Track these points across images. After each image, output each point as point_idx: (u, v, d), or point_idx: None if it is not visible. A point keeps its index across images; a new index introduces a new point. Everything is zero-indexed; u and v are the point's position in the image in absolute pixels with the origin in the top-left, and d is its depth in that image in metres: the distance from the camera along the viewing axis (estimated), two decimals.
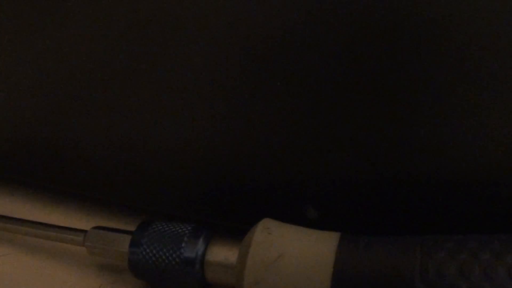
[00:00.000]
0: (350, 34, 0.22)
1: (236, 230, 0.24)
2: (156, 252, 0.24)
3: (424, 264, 0.20)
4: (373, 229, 0.23)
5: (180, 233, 0.24)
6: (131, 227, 0.26)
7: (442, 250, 0.20)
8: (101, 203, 0.30)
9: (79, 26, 0.26)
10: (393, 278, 0.20)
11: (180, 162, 0.27)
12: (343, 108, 0.23)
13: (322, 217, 0.25)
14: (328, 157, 0.24)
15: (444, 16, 0.20)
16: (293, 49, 0.23)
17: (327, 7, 0.21)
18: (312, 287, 0.21)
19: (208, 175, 0.26)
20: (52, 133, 0.29)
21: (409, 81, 0.22)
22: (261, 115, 0.24)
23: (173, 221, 0.25)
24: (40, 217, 0.29)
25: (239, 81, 0.24)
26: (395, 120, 0.22)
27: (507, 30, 0.20)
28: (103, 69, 0.26)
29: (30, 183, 0.32)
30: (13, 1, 0.26)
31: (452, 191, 0.23)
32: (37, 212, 0.30)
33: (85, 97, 0.27)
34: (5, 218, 0.28)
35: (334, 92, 0.23)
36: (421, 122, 0.22)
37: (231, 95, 0.24)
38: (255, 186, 0.26)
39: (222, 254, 0.24)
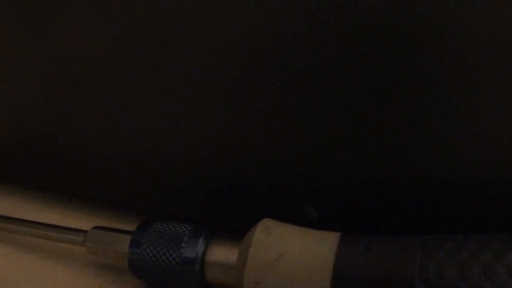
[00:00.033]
0: (350, 34, 0.22)
1: (236, 230, 0.24)
2: (156, 252, 0.24)
3: (424, 264, 0.20)
4: (373, 229, 0.23)
5: (180, 233, 0.24)
6: (131, 227, 0.26)
7: (442, 250, 0.20)
8: (101, 203, 0.30)
9: (79, 26, 0.26)
10: (393, 278, 0.20)
11: (180, 162, 0.27)
12: (343, 108, 0.23)
13: (322, 217, 0.25)
14: (328, 157, 0.24)
15: (444, 16, 0.20)
16: (293, 49, 0.23)
17: (327, 7, 0.21)
18: (312, 287, 0.21)
19: (208, 175, 0.26)
20: (52, 133, 0.29)
21: (409, 81, 0.22)
22: (261, 115, 0.24)
23: (173, 221, 0.25)
24: (40, 217, 0.29)
25: (239, 80, 0.24)
26: (395, 120, 0.22)
27: (507, 30, 0.20)
28: (103, 69, 0.26)
29: (30, 183, 0.32)
30: (13, 1, 0.26)
31: (452, 191, 0.23)
32: (37, 212, 0.31)
33: (85, 97, 0.27)
34: (5, 218, 0.29)
35: (334, 92, 0.23)
36: (421, 122, 0.22)
37: (231, 95, 0.24)
38: (255, 186, 0.26)
39: (222, 254, 0.24)
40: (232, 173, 0.26)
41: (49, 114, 0.29)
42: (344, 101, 0.23)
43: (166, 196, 0.28)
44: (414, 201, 0.23)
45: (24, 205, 0.31)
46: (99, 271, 0.27)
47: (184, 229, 0.24)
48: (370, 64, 0.22)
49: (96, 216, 0.30)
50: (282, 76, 0.23)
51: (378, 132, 0.23)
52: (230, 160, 0.26)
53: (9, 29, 0.27)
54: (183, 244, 0.24)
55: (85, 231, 0.26)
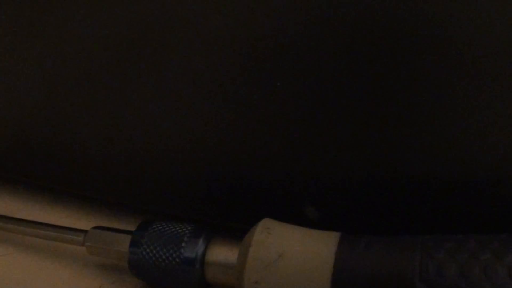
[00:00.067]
0: (350, 34, 0.22)
1: (236, 230, 0.24)
2: (156, 252, 0.24)
3: (424, 264, 0.20)
4: (373, 229, 0.23)
5: (180, 233, 0.24)
6: (131, 227, 0.26)
7: (442, 250, 0.20)
8: (101, 203, 0.30)
9: (79, 26, 0.26)
10: (393, 278, 0.20)
11: (180, 162, 0.27)
12: (343, 108, 0.23)
13: (322, 217, 0.25)
14: (328, 157, 0.24)
15: (444, 16, 0.20)
16: (293, 49, 0.23)
17: (327, 7, 0.21)
18: (312, 287, 0.21)
19: (208, 175, 0.26)
20: (52, 133, 0.29)
21: (409, 81, 0.22)
22: (261, 115, 0.24)
23: (173, 221, 0.25)
24: (40, 217, 0.29)
25: (239, 80, 0.24)
26: (395, 120, 0.22)
27: (507, 30, 0.20)
28: (103, 69, 0.26)
29: (30, 183, 0.32)
30: (13, 1, 0.26)
31: (452, 191, 0.23)
32: (37, 212, 0.31)
33: (85, 97, 0.27)
34: (5, 218, 0.28)
35: (334, 92, 0.23)
36: (421, 122, 0.22)
37: (231, 95, 0.24)
38: (255, 186, 0.26)
39: (222, 254, 0.24)
40: (232, 173, 0.26)
41: (49, 114, 0.29)
42: (344, 101, 0.23)
43: (166, 196, 0.28)
44: (414, 201, 0.23)
45: (24, 205, 0.31)
46: (99, 271, 0.27)
47: (184, 229, 0.24)
48: (370, 64, 0.22)
49: (96, 216, 0.30)
50: (282, 76, 0.23)
51: (378, 132, 0.23)
52: (230, 160, 0.26)
53: (9, 29, 0.27)
54: (183, 244, 0.24)
55: (85, 231, 0.26)
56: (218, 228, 0.25)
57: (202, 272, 0.24)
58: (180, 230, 0.24)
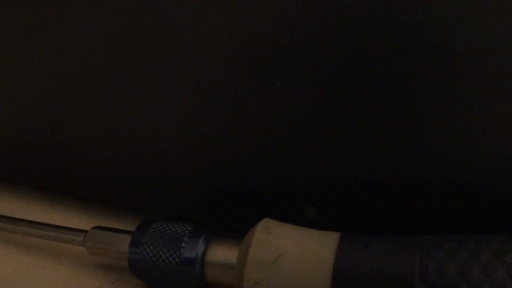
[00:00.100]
0: (351, 34, 0.22)
1: (236, 230, 0.24)
2: (156, 252, 0.24)
3: (424, 264, 0.20)
4: (373, 229, 0.23)
5: (180, 233, 0.24)
6: (131, 227, 0.26)
7: (442, 250, 0.20)
8: (101, 203, 0.30)
9: (79, 26, 0.26)
10: (393, 278, 0.20)
11: (180, 162, 0.27)
12: (343, 108, 0.23)
13: (322, 217, 0.25)
14: (328, 157, 0.24)
15: (444, 16, 0.20)
16: (293, 49, 0.23)
17: (327, 7, 0.21)
18: (312, 287, 0.21)
19: (208, 175, 0.26)
20: (52, 133, 0.29)
21: (409, 81, 0.22)
22: (262, 115, 0.24)
23: (173, 221, 0.25)
24: (40, 217, 0.29)
25: (239, 80, 0.24)
26: (395, 120, 0.22)
27: (507, 30, 0.20)
28: (103, 69, 0.26)
29: (30, 183, 0.32)
30: (13, 1, 0.26)
31: (452, 191, 0.23)
32: (37, 212, 0.31)
33: (85, 97, 0.27)
34: (5, 218, 0.28)
35: (334, 92, 0.23)
36: (421, 122, 0.22)
37: (231, 95, 0.24)
38: (255, 186, 0.26)
39: (222, 254, 0.24)
40: (232, 173, 0.26)
41: (49, 114, 0.29)
42: (344, 101, 0.23)
43: (166, 196, 0.28)
44: (414, 201, 0.23)
45: (24, 205, 0.31)
46: (99, 271, 0.27)
47: (184, 229, 0.24)
48: (370, 64, 0.22)
49: (96, 216, 0.30)
50: (282, 76, 0.23)
51: (378, 131, 0.23)
52: (230, 160, 0.26)
53: (10, 29, 0.27)
54: (183, 244, 0.24)
55: (85, 231, 0.26)
56: (218, 228, 0.25)
57: (202, 272, 0.24)
58: (180, 230, 0.24)
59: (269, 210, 0.24)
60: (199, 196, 0.27)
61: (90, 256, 0.26)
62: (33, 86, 0.28)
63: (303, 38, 0.22)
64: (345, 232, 0.22)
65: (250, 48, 0.23)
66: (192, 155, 0.26)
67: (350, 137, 0.23)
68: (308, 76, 0.23)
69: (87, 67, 0.26)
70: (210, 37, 0.23)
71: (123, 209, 0.30)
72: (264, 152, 0.25)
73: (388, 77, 0.22)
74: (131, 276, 0.25)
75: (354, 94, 0.23)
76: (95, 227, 0.26)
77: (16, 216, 0.29)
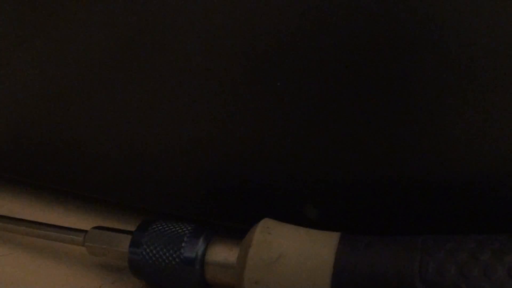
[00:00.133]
0: (350, 34, 0.22)
1: (236, 230, 0.24)
2: (156, 252, 0.24)
3: (424, 264, 0.20)
4: (373, 229, 0.23)
5: (180, 233, 0.24)
6: (131, 227, 0.26)
7: (442, 250, 0.20)
8: (101, 203, 0.30)
9: (79, 26, 0.26)
10: (393, 278, 0.20)
11: (180, 162, 0.27)
12: (343, 108, 0.23)
13: (322, 217, 0.25)
14: (328, 157, 0.24)
15: (444, 16, 0.20)
16: (293, 49, 0.23)
17: (327, 7, 0.21)
18: (312, 287, 0.21)
19: (208, 175, 0.26)
20: (52, 133, 0.29)
21: (409, 81, 0.22)
22: (261, 115, 0.24)
23: (173, 221, 0.25)
24: (40, 217, 0.29)
25: (239, 80, 0.24)
26: (395, 120, 0.22)
27: (507, 30, 0.20)
28: (103, 69, 0.26)
29: (30, 183, 0.32)
30: (13, 1, 0.26)
31: (452, 191, 0.23)
32: (37, 212, 0.31)
33: (85, 97, 0.27)
34: (5, 218, 0.28)
35: (334, 92, 0.23)
36: (421, 122, 0.22)
37: (231, 95, 0.24)
38: (255, 186, 0.26)
39: (222, 254, 0.24)
40: (232, 173, 0.26)
41: (50, 114, 0.29)
42: (344, 101, 0.23)
43: (166, 196, 0.28)
44: (414, 201, 0.23)
45: (24, 205, 0.31)
46: (99, 271, 0.27)
47: (184, 229, 0.24)
48: (370, 64, 0.22)
49: (96, 216, 0.30)
50: (282, 76, 0.23)
51: (378, 132, 0.23)
52: (230, 160, 0.26)
53: (10, 29, 0.27)
54: (183, 244, 0.24)
55: (85, 231, 0.26)
56: (218, 228, 0.25)
57: (202, 272, 0.24)
58: (180, 230, 0.24)
59: (269, 210, 0.24)
60: (199, 196, 0.27)
61: (90, 256, 0.26)
62: (33, 86, 0.28)
63: (303, 38, 0.22)
64: (345, 232, 0.22)
65: (250, 48, 0.23)
66: (192, 155, 0.26)
67: (350, 137, 0.23)
68: (308, 76, 0.23)
69: (87, 67, 0.26)
70: (210, 37, 0.23)
71: (123, 209, 0.30)
72: (264, 152, 0.25)
73: (388, 77, 0.22)
74: (131, 276, 0.25)
75: (354, 94, 0.23)
76: (95, 227, 0.26)
77: (16, 216, 0.29)
